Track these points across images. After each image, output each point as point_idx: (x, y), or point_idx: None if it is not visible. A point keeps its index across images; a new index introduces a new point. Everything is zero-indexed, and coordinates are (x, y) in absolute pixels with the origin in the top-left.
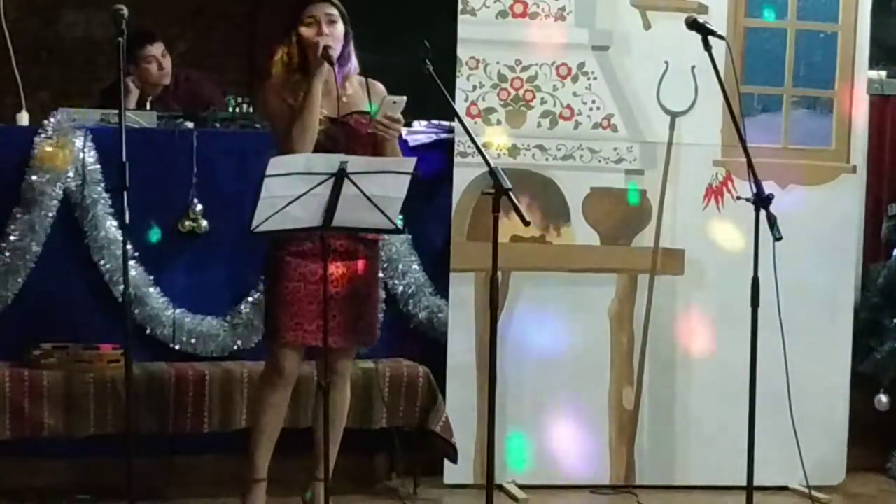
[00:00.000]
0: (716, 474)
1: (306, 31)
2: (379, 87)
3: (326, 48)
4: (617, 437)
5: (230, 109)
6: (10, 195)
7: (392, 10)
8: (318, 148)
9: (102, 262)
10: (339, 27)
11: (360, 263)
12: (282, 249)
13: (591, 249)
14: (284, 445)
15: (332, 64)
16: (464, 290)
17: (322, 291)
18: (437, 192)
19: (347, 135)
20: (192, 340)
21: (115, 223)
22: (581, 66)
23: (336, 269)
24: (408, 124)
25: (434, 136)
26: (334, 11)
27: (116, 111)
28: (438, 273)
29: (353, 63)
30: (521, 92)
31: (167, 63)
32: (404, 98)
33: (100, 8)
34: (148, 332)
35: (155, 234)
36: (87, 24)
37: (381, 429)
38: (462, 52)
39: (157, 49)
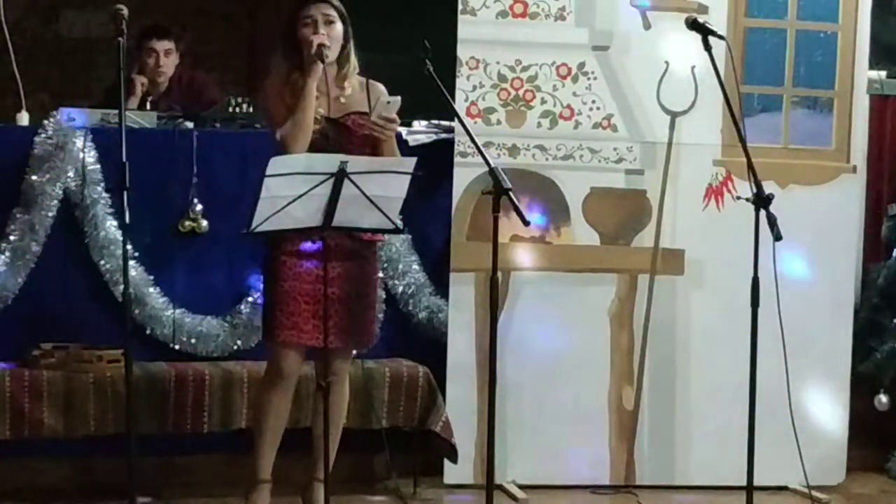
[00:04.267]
0: (716, 474)
1: (303, 32)
2: (380, 87)
3: (320, 46)
4: (617, 437)
5: (230, 109)
6: (10, 195)
7: (392, 9)
8: (313, 147)
9: (102, 262)
10: (338, 27)
11: (357, 264)
12: (277, 249)
13: (591, 249)
14: (284, 445)
15: (323, 62)
16: (464, 290)
17: (318, 291)
18: (436, 192)
19: (343, 135)
20: (192, 340)
21: (115, 223)
22: (581, 66)
23: (332, 269)
24: (408, 124)
25: (434, 136)
26: (332, 12)
27: (116, 111)
28: (438, 273)
29: (353, 63)
30: (521, 92)
31: (167, 63)
32: (399, 98)
33: (100, 8)
34: (148, 332)
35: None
36: (87, 24)
37: (381, 428)
38: (462, 52)
39: (161, 45)
